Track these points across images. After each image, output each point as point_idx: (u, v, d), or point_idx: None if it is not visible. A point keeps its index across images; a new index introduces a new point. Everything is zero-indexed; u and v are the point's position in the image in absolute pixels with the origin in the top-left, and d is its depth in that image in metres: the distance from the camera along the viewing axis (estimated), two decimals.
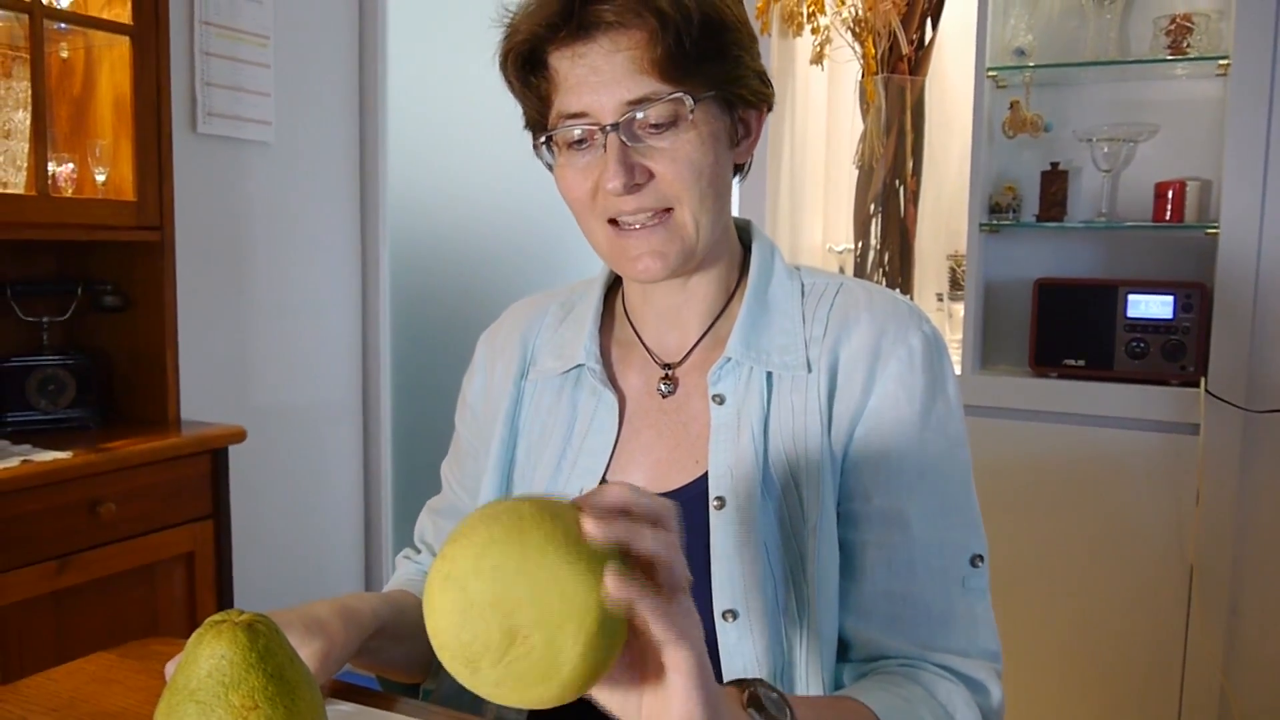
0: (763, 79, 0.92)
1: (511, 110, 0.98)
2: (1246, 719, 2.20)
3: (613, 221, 0.88)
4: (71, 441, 1.97)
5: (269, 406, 2.78)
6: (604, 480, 0.93)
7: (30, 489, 1.79)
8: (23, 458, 1.83)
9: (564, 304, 1.05)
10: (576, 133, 0.86)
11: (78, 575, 1.88)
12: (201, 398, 2.51)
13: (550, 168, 0.92)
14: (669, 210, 0.87)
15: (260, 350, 2.76)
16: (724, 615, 0.85)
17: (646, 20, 0.82)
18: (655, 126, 0.84)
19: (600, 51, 0.84)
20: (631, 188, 0.84)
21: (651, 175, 0.85)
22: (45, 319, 2.15)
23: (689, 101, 0.84)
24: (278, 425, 2.80)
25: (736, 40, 0.88)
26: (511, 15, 0.89)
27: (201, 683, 0.61)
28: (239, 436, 2.17)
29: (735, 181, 0.96)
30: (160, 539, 2.03)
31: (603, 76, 0.84)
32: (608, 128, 0.84)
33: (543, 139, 0.90)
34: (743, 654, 0.85)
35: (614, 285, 1.04)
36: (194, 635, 0.64)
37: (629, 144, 0.84)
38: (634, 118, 0.84)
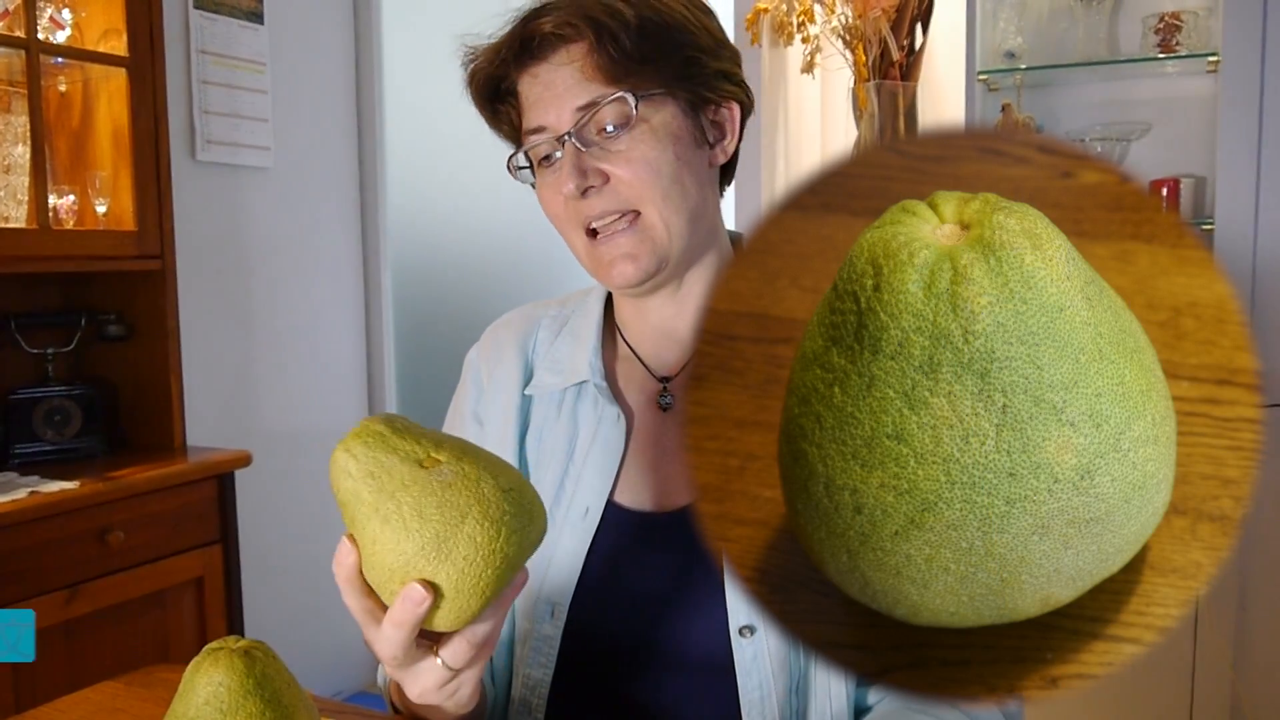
0: (730, 78, 0.92)
1: None
2: (1257, 715, 2.19)
3: (591, 233, 0.90)
4: (79, 471, 1.99)
5: (275, 430, 2.79)
6: (611, 498, 0.92)
7: (38, 520, 1.80)
8: (30, 489, 1.84)
9: (555, 317, 1.04)
10: (542, 148, 0.89)
11: (88, 604, 1.89)
12: (207, 423, 2.53)
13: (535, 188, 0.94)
14: (637, 213, 0.88)
15: (265, 374, 2.78)
16: (740, 631, 0.85)
17: (584, 31, 0.86)
18: (610, 131, 0.87)
19: (550, 67, 0.88)
20: (586, 190, 0.87)
21: (607, 178, 0.87)
22: (50, 350, 2.17)
23: (630, 99, 0.86)
24: (284, 449, 2.81)
25: (690, 42, 0.89)
26: (473, 57, 0.93)
27: (199, 710, 0.63)
28: (245, 461, 2.18)
29: (730, 188, 0.98)
30: (169, 565, 2.04)
31: (555, 90, 0.88)
32: (564, 136, 0.87)
33: (515, 159, 0.93)
34: (759, 670, 0.85)
35: (607, 300, 1.03)
36: (192, 663, 0.65)
37: (583, 149, 0.87)
38: (586, 124, 0.87)
